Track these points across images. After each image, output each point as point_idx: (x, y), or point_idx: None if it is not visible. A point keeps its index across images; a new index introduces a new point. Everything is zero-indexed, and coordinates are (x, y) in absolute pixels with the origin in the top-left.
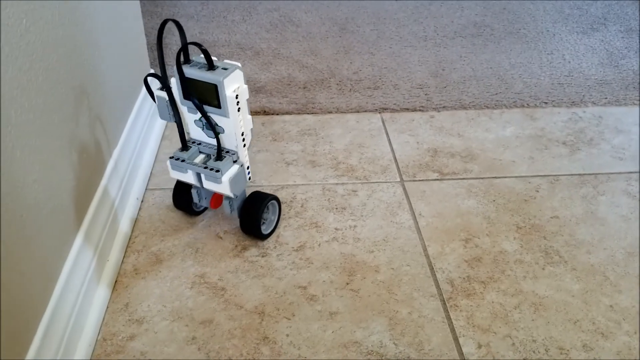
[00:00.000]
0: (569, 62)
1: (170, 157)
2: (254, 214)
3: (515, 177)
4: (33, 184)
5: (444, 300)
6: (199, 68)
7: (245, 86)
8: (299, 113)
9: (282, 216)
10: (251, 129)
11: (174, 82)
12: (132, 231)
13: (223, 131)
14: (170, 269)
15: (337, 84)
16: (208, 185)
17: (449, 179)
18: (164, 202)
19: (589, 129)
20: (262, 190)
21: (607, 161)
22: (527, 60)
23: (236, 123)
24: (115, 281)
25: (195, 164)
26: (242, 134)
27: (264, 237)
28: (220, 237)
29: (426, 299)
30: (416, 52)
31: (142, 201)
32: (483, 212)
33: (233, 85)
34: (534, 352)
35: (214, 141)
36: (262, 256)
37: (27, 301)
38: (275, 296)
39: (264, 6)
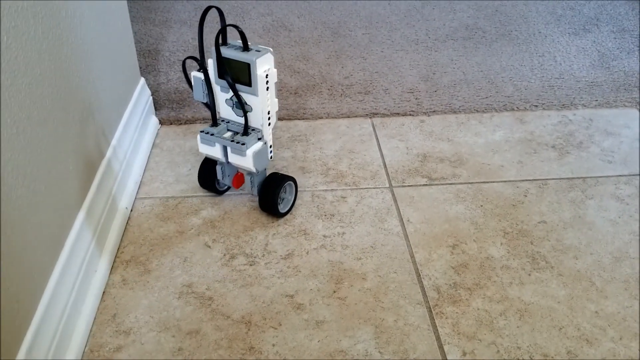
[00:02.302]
0: (560, 64)
1: (201, 131)
2: (272, 193)
3: (504, 181)
4: (17, 199)
5: (429, 308)
6: (235, 49)
7: (275, 70)
8: (290, 119)
9: (271, 223)
10: (276, 111)
11: (210, 64)
12: (121, 241)
13: (251, 109)
14: (158, 279)
15: (329, 89)
16: (233, 159)
17: (437, 184)
18: (154, 210)
19: (579, 132)
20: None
21: (597, 164)
22: (518, 62)
23: (264, 101)
24: (103, 292)
25: (223, 138)
26: (268, 113)
27: (281, 215)
28: (209, 246)
29: (412, 307)
30: (407, 55)
31: (131, 210)
32: (471, 217)
33: (264, 66)
34: (518, 359)
35: (241, 120)
36: (250, 265)
37: (14, 312)
38: (263, 305)
39: (257, 11)
